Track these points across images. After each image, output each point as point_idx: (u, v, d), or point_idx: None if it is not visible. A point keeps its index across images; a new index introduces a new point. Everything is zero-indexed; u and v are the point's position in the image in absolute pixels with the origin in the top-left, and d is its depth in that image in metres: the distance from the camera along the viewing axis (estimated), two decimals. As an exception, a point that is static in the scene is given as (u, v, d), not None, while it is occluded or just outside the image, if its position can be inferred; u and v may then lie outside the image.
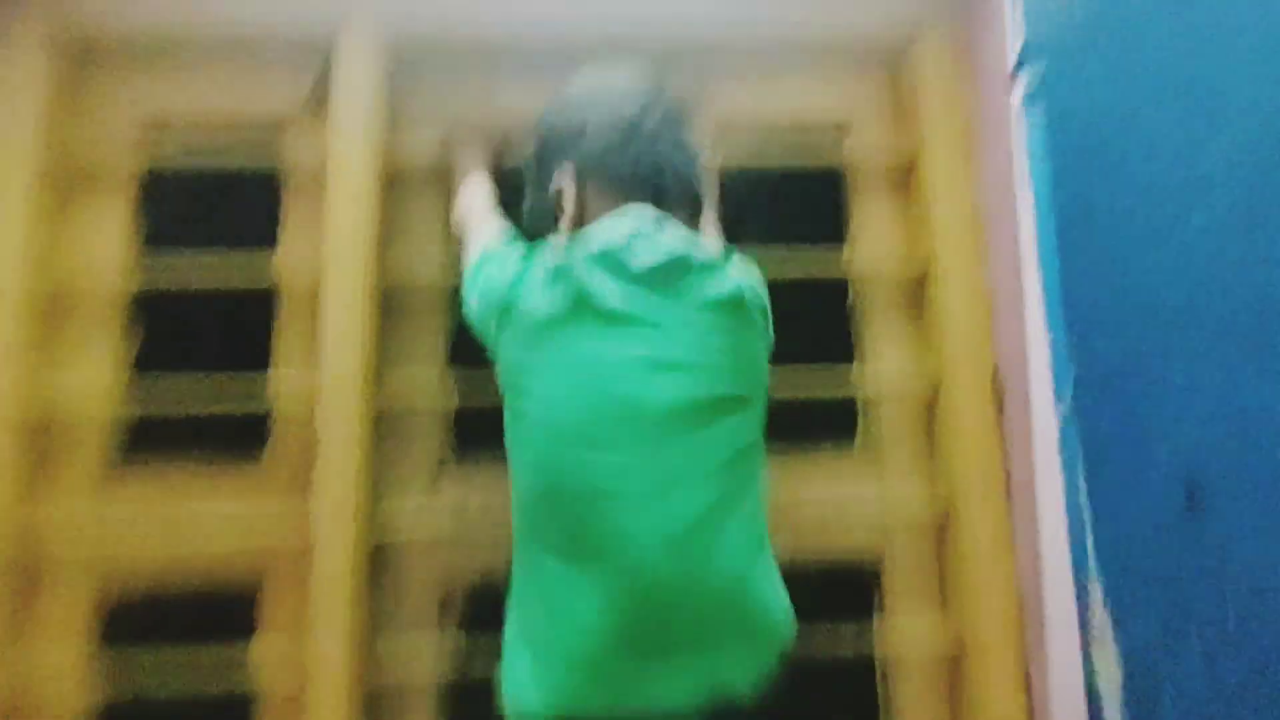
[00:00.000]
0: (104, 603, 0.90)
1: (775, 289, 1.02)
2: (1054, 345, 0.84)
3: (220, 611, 0.92)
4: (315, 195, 0.96)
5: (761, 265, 0.94)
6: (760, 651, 0.64)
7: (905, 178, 1.04)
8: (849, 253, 1.03)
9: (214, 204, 1.00)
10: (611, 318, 0.63)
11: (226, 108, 0.99)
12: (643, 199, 0.70)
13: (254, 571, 0.91)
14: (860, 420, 1.01)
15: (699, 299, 0.65)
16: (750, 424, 0.67)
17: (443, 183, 0.98)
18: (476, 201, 0.87)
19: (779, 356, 1.01)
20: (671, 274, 0.66)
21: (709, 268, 0.68)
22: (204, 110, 0.99)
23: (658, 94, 0.75)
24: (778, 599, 0.68)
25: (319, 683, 0.82)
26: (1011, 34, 0.90)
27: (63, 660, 0.87)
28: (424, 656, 0.88)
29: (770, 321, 0.73)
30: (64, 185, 0.95)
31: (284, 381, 0.93)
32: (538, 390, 0.65)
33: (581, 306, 0.64)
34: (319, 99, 0.97)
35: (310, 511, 0.87)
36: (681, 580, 0.60)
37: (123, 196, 0.97)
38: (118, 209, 0.96)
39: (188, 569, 0.91)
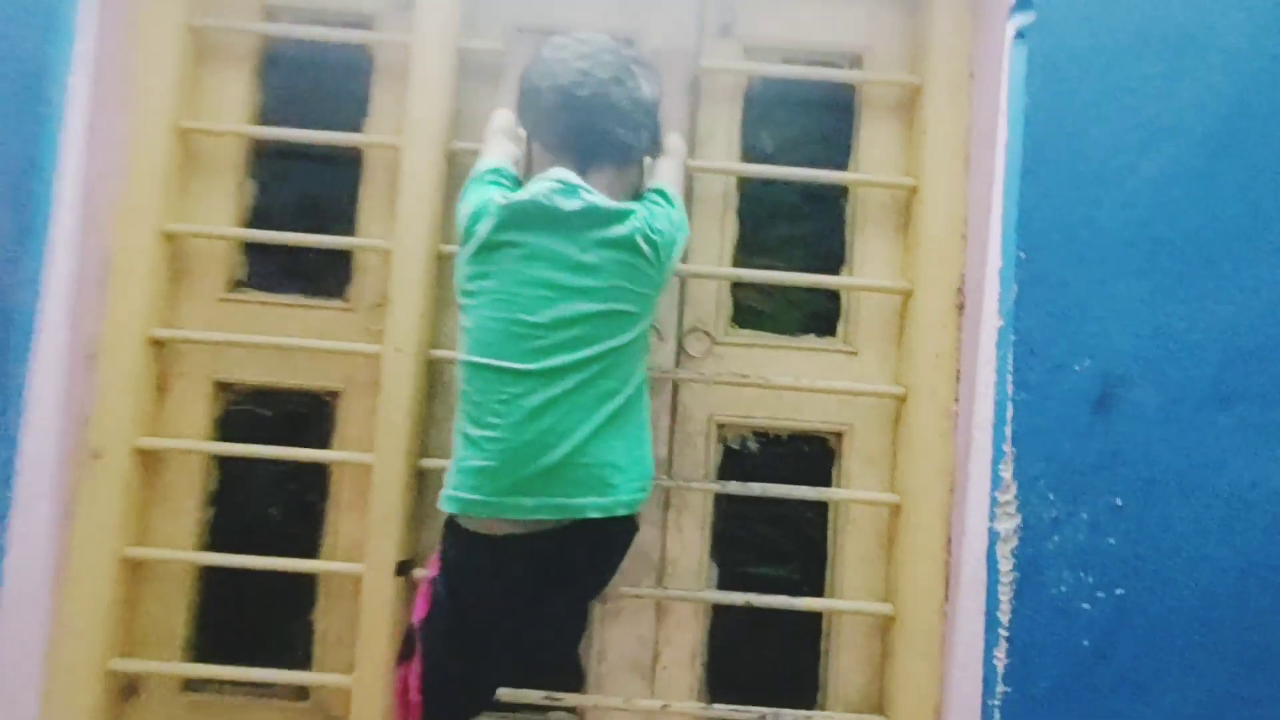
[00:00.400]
0: (216, 405, 1.15)
1: (783, 197, 1.19)
2: (1003, 264, 0.99)
3: (306, 419, 1.16)
4: (400, 79, 1.13)
5: (772, 181, 1.11)
6: (594, 498, 0.85)
7: (909, 105, 1.17)
8: (850, 169, 1.18)
9: (316, 81, 1.19)
10: (526, 254, 0.85)
11: (331, -2, 1.17)
12: (570, 161, 0.88)
13: (335, 385, 1.14)
14: (842, 315, 1.18)
15: (595, 240, 0.85)
16: (623, 331, 0.86)
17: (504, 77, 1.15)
18: (498, 123, 1.02)
19: (783, 257, 1.18)
20: (575, 221, 0.85)
21: (609, 216, 0.86)
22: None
23: (602, 59, 0.89)
24: (625, 464, 0.87)
25: (383, 466, 1.06)
26: (1014, -20, 1.01)
27: (189, 457, 1.12)
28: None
29: (666, 255, 0.89)
30: (199, 57, 1.15)
31: (365, 235, 1.14)
32: (471, 301, 0.88)
33: (505, 244, 0.86)
34: (408, -4, 1.14)
35: (382, 340, 1.09)
36: (534, 444, 0.83)
37: (246, 68, 1.16)
38: (241, 79, 1.16)
39: (282, 382, 1.14)
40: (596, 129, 0.89)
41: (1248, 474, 0.97)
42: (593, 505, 0.84)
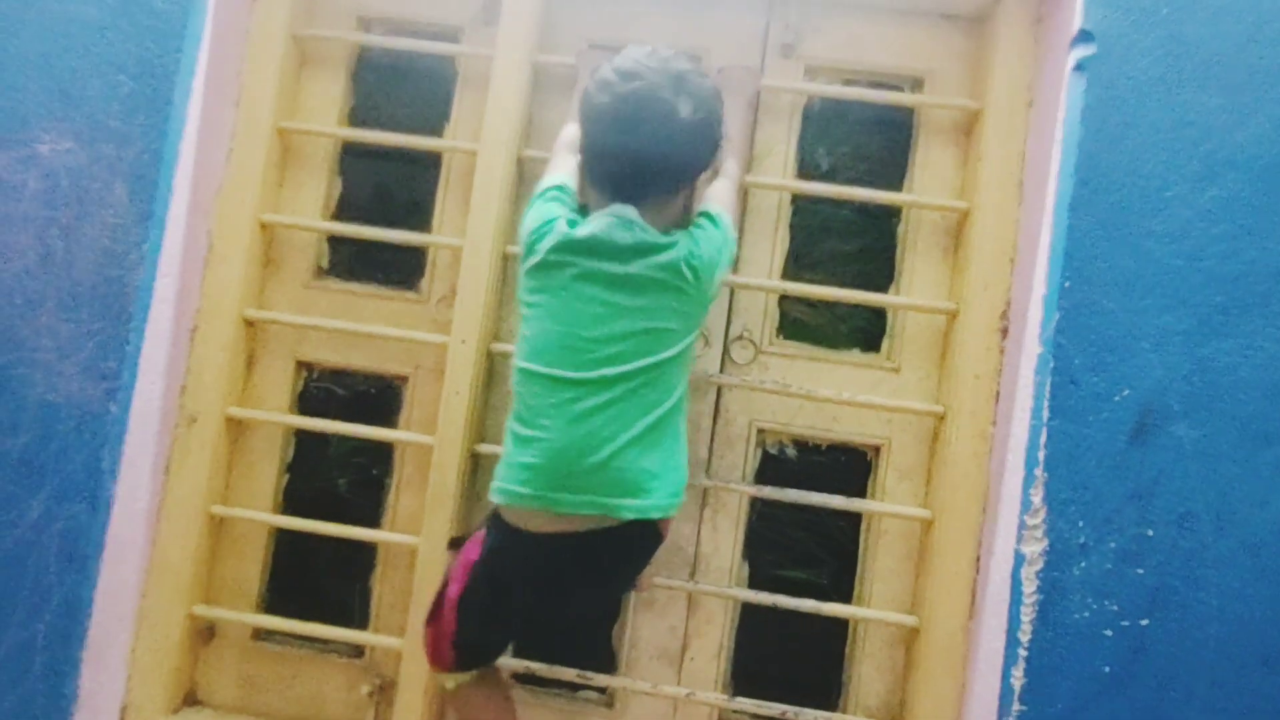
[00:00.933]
0: (297, 382, 1.26)
1: (835, 213, 1.23)
2: (1048, 291, 1.01)
3: (376, 399, 1.26)
4: (480, 88, 1.22)
5: (825, 199, 1.15)
6: (630, 500, 0.90)
7: (967, 129, 1.19)
8: (905, 189, 1.21)
9: (404, 87, 1.28)
10: (580, 273, 0.92)
11: (419, 12, 1.26)
12: (621, 195, 0.94)
13: (404, 369, 1.23)
14: (887, 332, 1.21)
15: (643, 265, 0.91)
16: (667, 346, 0.92)
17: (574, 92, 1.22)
18: (565, 137, 1.08)
19: (833, 272, 1.22)
20: (627, 251, 0.92)
21: (657, 247, 0.92)
22: (401, 12, 1.26)
23: (639, 78, 0.91)
24: (661, 471, 0.92)
25: (444, 446, 1.14)
26: (1076, 11, 1.03)
27: (271, 427, 1.23)
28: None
29: (707, 277, 0.94)
30: (299, 63, 1.26)
31: (439, 232, 1.23)
32: (529, 312, 0.96)
33: (563, 264, 0.93)
34: (491, 11, 1.22)
35: (449, 331, 1.17)
36: (579, 446, 0.89)
37: (341, 73, 1.27)
38: (336, 83, 1.27)
39: (357, 365, 1.24)
40: (635, 176, 0.94)
41: (1288, 515, 0.96)
42: (628, 507, 0.90)
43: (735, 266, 1.18)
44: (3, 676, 1.04)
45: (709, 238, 0.96)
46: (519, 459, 0.92)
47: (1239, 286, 0.99)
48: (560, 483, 0.90)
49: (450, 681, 0.99)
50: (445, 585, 0.99)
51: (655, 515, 0.92)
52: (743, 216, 1.20)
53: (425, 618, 1.00)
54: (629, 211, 0.94)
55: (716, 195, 1.03)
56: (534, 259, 0.95)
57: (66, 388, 1.06)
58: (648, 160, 0.93)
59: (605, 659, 1.19)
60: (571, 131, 1.06)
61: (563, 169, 1.04)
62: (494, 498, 0.95)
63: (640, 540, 0.95)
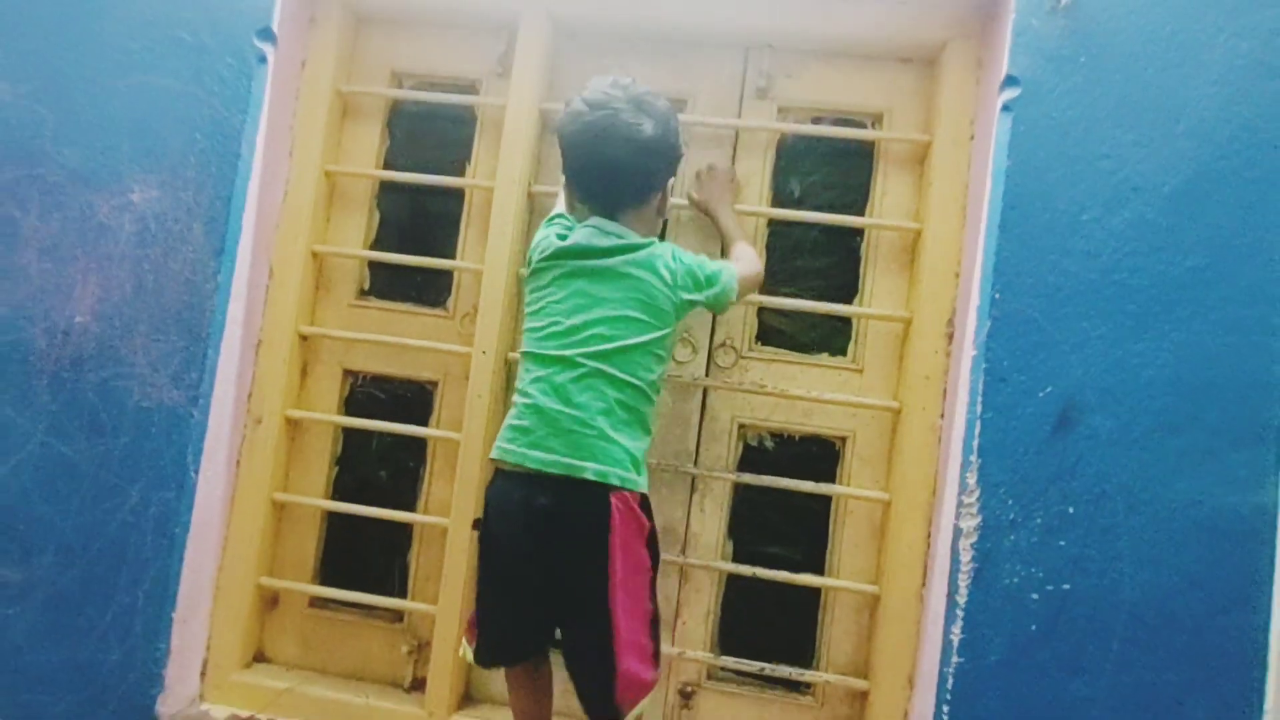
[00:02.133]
0: (346, 384, 1.47)
1: (806, 235, 1.39)
2: (980, 301, 1.17)
3: (411, 402, 1.46)
4: (496, 132, 1.41)
5: (797, 223, 1.32)
6: (592, 464, 1.05)
7: (921, 159, 1.35)
8: (868, 213, 1.37)
9: (431, 132, 1.48)
10: (566, 272, 1.11)
11: (443, 67, 1.46)
12: (599, 209, 1.14)
13: (435, 376, 1.43)
14: (852, 338, 1.38)
15: (618, 263, 1.10)
16: (636, 333, 1.09)
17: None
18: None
19: (804, 286, 1.38)
20: (604, 253, 1.10)
21: (632, 247, 1.10)
22: (428, 68, 1.47)
23: (600, 121, 1.08)
24: (623, 444, 1.06)
25: (469, 442, 1.34)
26: (1005, 57, 1.19)
27: (323, 426, 1.44)
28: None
29: (679, 277, 1.11)
30: (342, 115, 1.47)
31: (462, 258, 1.43)
32: (530, 309, 1.14)
33: (552, 266, 1.12)
34: (505, 65, 1.42)
35: (472, 343, 1.37)
36: (556, 412, 1.06)
37: (377, 123, 1.47)
38: (373, 131, 1.47)
39: (394, 372, 1.45)
40: (610, 189, 1.12)
41: (1191, 493, 1.12)
42: (590, 469, 1.05)
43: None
44: (111, 634, 1.26)
45: (699, 263, 1.14)
46: (509, 423, 1.11)
47: (1148, 296, 1.14)
48: (536, 442, 1.06)
49: (464, 654, 1.15)
50: None
51: (614, 481, 1.05)
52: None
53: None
54: (608, 225, 1.12)
55: (731, 254, 1.25)
56: (531, 266, 1.15)
57: (158, 395, 1.28)
58: (620, 172, 1.11)
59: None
60: None
61: (561, 201, 1.24)
62: (491, 456, 1.12)
63: (600, 505, 1.04)
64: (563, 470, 1.05)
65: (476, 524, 1.31)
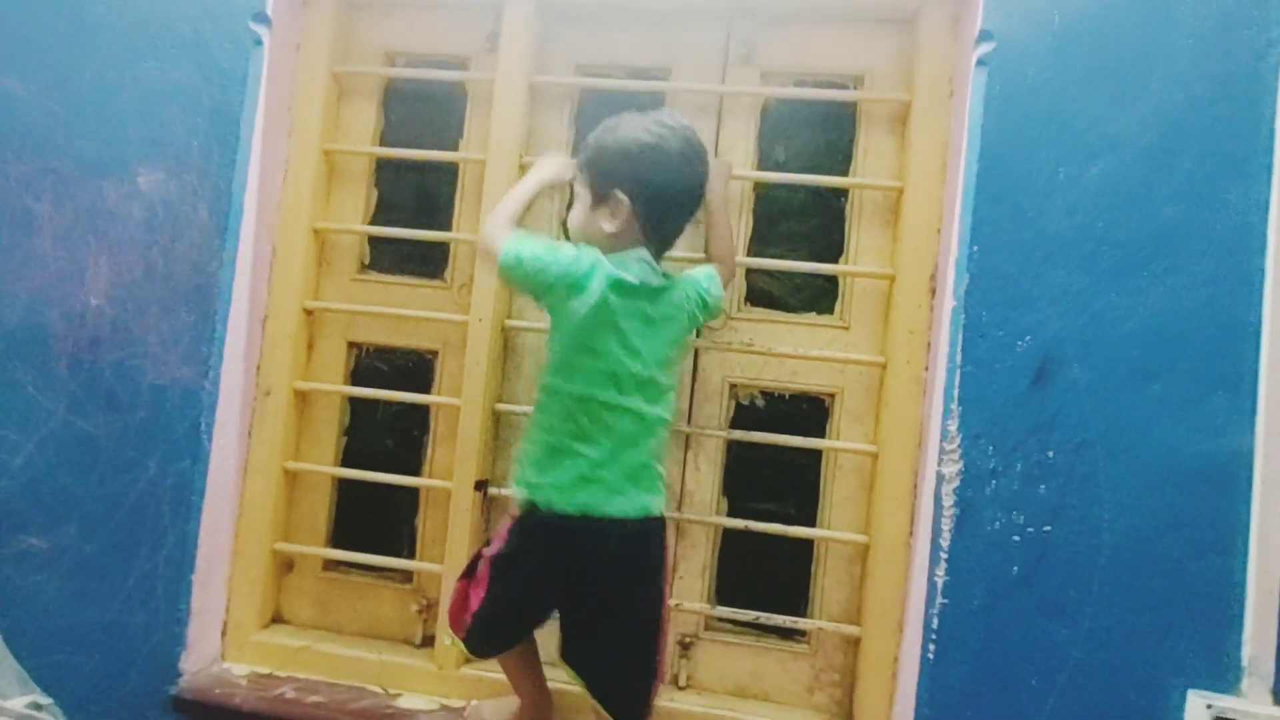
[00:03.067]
0: (350, 356, 1.52)
1: (791, 197, 1.42)
2: (958, 256, 1.20)
3: (413, 371, 1.51)
4: (487, 106, 1.44)
5: (783, 185, 1.35)
6: (655, 497, 1.12)
7: (902, 119, 1.37)
8: (851, 174, 1.40)
9: (424, 109, 1.52)
10: (624, 313, 1.08)
11: (434, 44, 1.49)
12: (655, 245, 1.13)
13: (434, 345, 1.48)
14: (838, 296, 1.41)
15: (664, 306, 1.12)
16: (673, 373, 1.15)
17: (569, 101, 1.45)
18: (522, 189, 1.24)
19: (791, 248, 1.41)
20: (655, 295, 1.11)
21: (670, 287, 1.13)
22: (420, 46, 1.50)
23: (693, 162, 1.11)
24: (661, 479, 1.13)
25: (468, 407, 1.39)
26: (979, 13, 1.20)
27: (330, 397, 1.50)
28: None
29: (705, 309, 1.17)
30: (339, 95, 1.51)
31: (458, 230, 1.47)
32: (577, 344, 1.08)
33: (608, 304, 1.07)
34: (494, 41, 1.45)
35: (469, 312, 1.41)
36: (627, 459, 1.09)
37: (373, 101, 1.51)
38: (369, 110, 1.51)
39: (396, 343, 1.50)
40: (679, 230, 1.16)
41: (1169, 440, 1.14)
42: (656, 506, 1.10)
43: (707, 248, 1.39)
44: (135, 597, 1.33)
45: (718, 291, 1.21)
46: (573, 472, 1.07)
47: (1124, 250, 1.16)
48: (613, 490, 1.07)
49: (454, 644, 1.18)
50: (479, 561, 1.15)
51: (661, 510, 1.12)
52: (711, 205, 1.41)
53: (461, 573, 1.20)
54: (651, 259, 1.12)
55: (722, 253, 1.28)
56: (587, 298, 1.06)
57: (171, 372, 1.34)
58: (699, 192, 1.14)
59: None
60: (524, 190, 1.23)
61: (573, 234, 1.18)
62: (542, 503, 1.07)
63: (660, 535, 1.13)
64: (639, 514, 1.08)
65: (479, 486, 1.38)
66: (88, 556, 1.33)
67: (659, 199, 1.10)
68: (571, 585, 1.09)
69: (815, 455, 1.40)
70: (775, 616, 1.34)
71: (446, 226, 1.49)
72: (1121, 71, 1.17)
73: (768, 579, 1.41)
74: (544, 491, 1.08)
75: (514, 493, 1.13)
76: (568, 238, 1.20)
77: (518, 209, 1.20)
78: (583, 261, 1.08)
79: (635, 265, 1.10)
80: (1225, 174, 1.14)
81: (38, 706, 1.24)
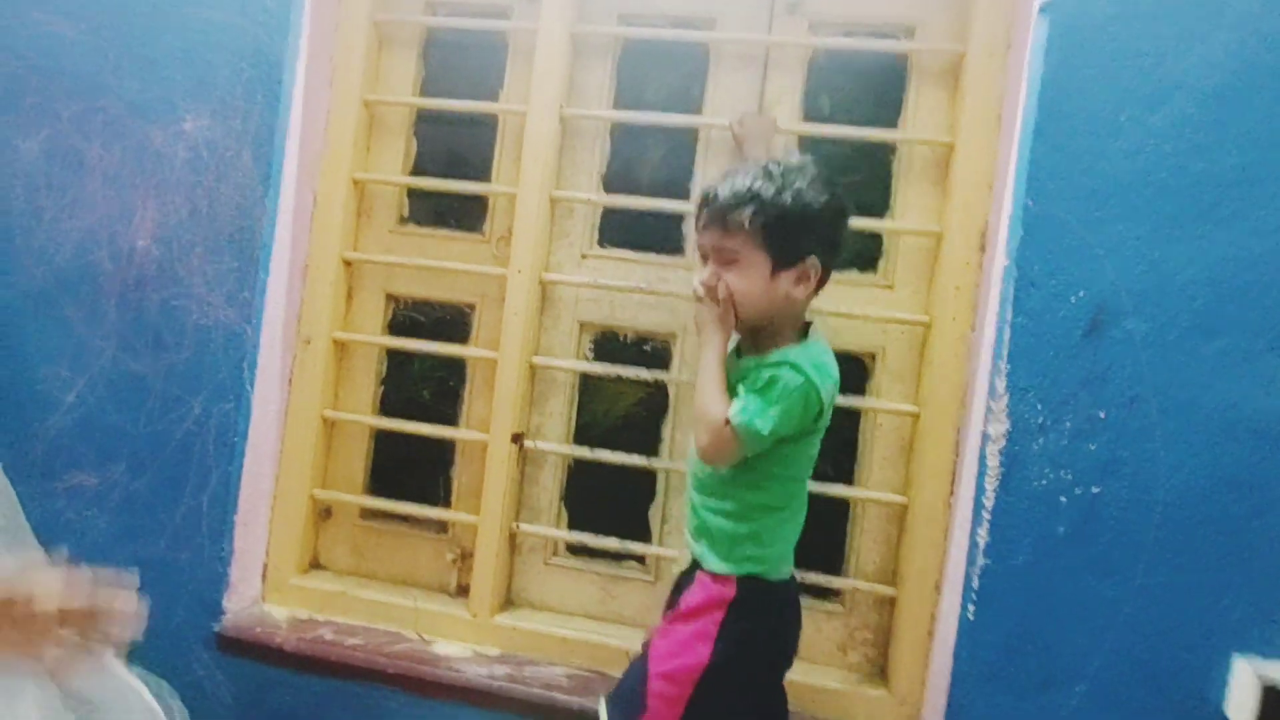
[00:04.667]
0: (389, 308, 1.53)
1: (837, 152, 1.39)
2: (1012, 211, 1.16)
3: (451, 323, 1.51)
4: (527, 57, 1.43)
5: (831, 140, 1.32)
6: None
7: (954, 71, 1.33)
8: (900, 128, 1.36)
9: (465, 59, 1.51)
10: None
11: (477, -6, 1.49)
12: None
13: (472, 299, 1.48)
14: (883, 254, 1.38)
15: None
16: None
17: (611, 52, 1.43)
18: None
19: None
20: None
21: None
22: (463, -5, 1.50)
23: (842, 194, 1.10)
24: None
25: (505, 360, 1.39)
26: (1043, -42, 1.16)
27: (368, 347, 1.51)
28: (568, 355, 1.43)
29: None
30: (380, 44, 1.51)
31: (497, 182, 1.47)
32: (811, 439, 1.11)
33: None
34: (535, -10, 1.43)
35: (507, 265, 1.41)
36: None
37: (413, 51, 1.51)
38: (410, 60, 1.51)
39: (434, 296, 1.50)
40: None
41: (1229, 396, 1.10)
42: None
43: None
44: (180, 535, 1.35)
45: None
46: (789, 545, 1.13)
47: (1187, 197, 1.12)
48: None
49: None
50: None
51: None
52: (754, 157, 1.39)
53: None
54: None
55: None
56: (825, 417, 1.09)
57: (215, 314, 1.36)
58: None
59: None
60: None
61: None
62: (775, 575, 1.10)
63: None
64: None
65: (515, 438, 1.38)
66: (135, 493, 1.36)
67: (838, 258, 1.11)
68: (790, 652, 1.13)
69: (854, 415, 1.38)
70: (810, 575, 1.33)
71: (485, 179, 1.48)
72: (1190, 10, 1.11)
73: (804, 538, 1.39)
74: (768, 563, 1.09)
75: (720, 568, 1.08)
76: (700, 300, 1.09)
77: (721, 382, 1.06)
78: (810, 391, 1.03)
79: (828, 349, 1.11)
80: (1299, 117, 1.09)
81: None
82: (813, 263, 1.06)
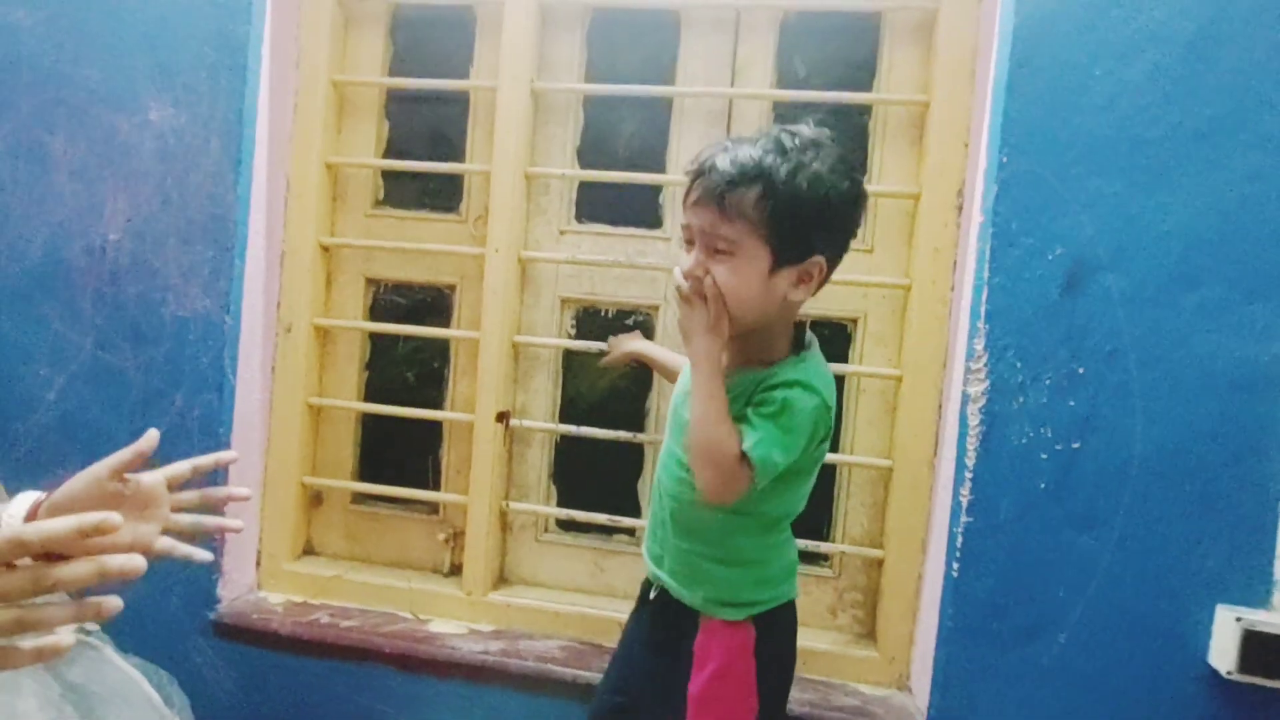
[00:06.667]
0: (369, 292, 1.52)
1: (811, 115, 1.37)
2: (986, 167, 1.16)
3: (432, 305, 1.50)
4: (496, 32, 1.41)
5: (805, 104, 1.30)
6: None
7: (928, 29, 1.31)
8: (875, 89, 1.35)
9: (433, 37, 1.49)
10: None
11: (441, -33, 1.46)
12: None
13: (452, 279, 1.47)
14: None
15: None
16: None
17: (580, 23, 1.41)
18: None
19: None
20: None
21: None
22: (427, -31, 1.46)
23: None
24: None
25: (487, 340, 1.39)
26: (1012, -91, 1.14)
27: (350, 333, 1.50)
28: (550, 332, 1.42)
29: None
30: (346, 24, 1.48)
31: (471, 161, 1.45)
32: (808, 474, 0.98)
33: None
34: (500, -39, 1.40)
35: (485, 244, 1.40)
36: None
37: (380, 30, 1.48)
38: (377, 39, 1.48)
39: (414, 278, 1.49)
40: None
41: (1206, 347, 1.10)
42: None
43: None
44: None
45: None
46: (789, 567, 1.03)
47: (1164, 149, 1.11)
48: None
49: None
50: None
51: None
52: (730, 124, 1.37)
53: None
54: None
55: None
56: (828, 440, 0.96)
57: (192, 305, 1.35)
58: None
59: None
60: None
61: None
62: (787, 596, 1.02)
63: None
64: None
65: (500, 417, 1.38)
66: (122, 488, 1.36)
67: (843, 255, 0.93)
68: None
69: (838, 381, 1.37)
70: (799, 541, 1.34)
71: (460, 159, 1.47)
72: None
73: (791, 503, 1.41)
74: (779, 592, 1.01)
75: (733, 615, 0.98)
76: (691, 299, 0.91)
77: (725, 405, 0.89)
78: (823, 414, 0.91)
79: (826, 367, 0.96)
80: (1274, 64, 1.07)
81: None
82: (817, 262, 0.88)
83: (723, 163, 0.86)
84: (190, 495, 0.84)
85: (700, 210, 0.87)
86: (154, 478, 0.80)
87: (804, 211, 0.85)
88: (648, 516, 1.14)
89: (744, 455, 0.85)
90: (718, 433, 0.86)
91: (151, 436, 0.76)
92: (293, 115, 1.43)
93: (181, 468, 0.82)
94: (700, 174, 0.87)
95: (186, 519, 0.83)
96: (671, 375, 1.20)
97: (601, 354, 1.37)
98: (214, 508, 0.86)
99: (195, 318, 1.34)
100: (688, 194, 0.89)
